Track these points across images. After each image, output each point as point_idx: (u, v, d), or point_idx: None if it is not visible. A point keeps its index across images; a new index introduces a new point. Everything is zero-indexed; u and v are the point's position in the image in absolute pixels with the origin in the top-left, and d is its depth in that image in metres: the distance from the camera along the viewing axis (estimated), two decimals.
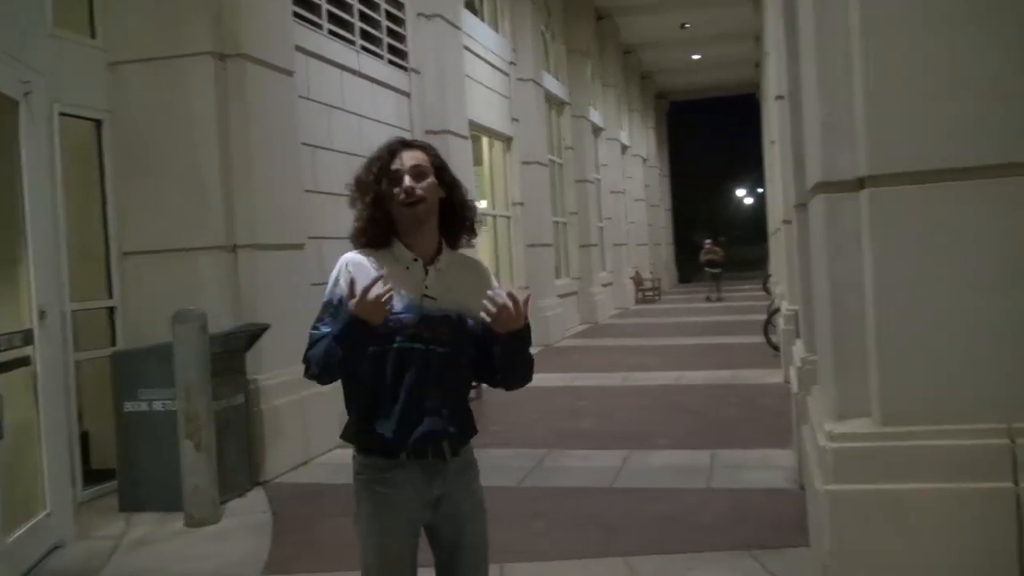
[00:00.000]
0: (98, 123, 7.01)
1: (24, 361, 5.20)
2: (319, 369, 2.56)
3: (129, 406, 6.21)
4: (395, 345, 2.57)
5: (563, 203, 20.01)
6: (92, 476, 6.66)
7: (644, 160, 31.77)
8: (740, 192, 53.33)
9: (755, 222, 42.13)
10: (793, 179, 5.68)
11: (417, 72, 11.45)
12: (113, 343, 6.96)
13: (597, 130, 23.50)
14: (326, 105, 9.11)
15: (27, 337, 5.22)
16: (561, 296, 17.97)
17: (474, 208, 2.77)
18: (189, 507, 5.80)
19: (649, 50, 28.76)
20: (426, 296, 2.62)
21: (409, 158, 2.63)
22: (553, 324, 16.27)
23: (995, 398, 2.85)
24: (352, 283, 2.46)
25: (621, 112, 27.21)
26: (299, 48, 8.38)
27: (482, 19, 15.02)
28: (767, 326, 13.05)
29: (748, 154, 35.59)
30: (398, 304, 2.55)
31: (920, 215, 2.93)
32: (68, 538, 5.48)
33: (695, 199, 45.28)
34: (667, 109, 38.16)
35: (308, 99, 8.69)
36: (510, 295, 2.53)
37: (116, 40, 7.05)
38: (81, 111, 6.86)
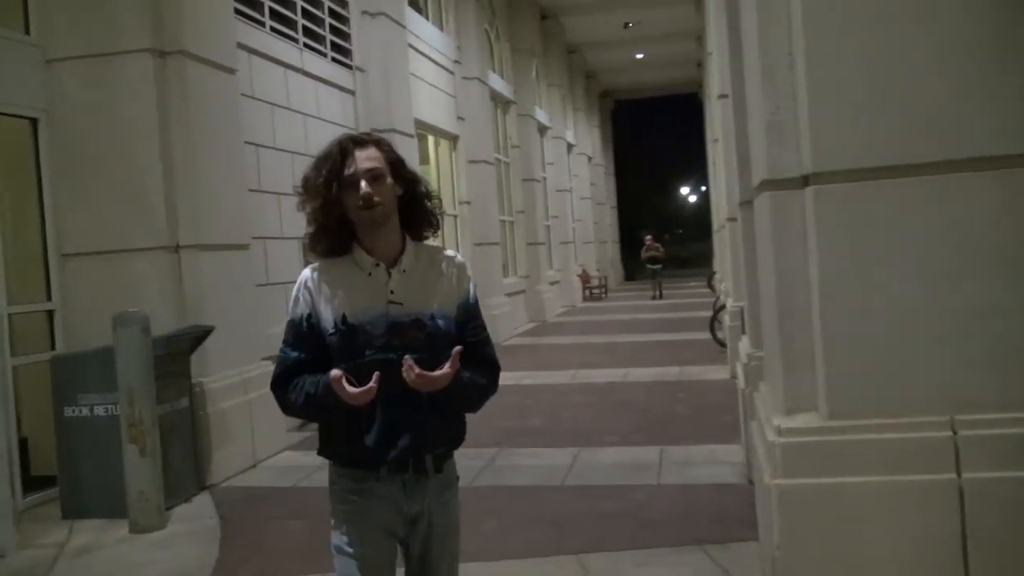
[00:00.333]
0: (34, 122, 6.85)
1: None
2: (303, 418, 2.51)
3: (70, 411, 6.09)
4: (367, 359, 2.44)
5: (510, 202, 20.04)
6: (32, 483, 6.51)
7: (590, 159, 31.93)
8: (684, 190, 53.87)
9: (700, 219, 42.61)
10: (738, 177, 5.74)
11: (362, 70, 11.39)
12: (52, 347, 6.81)
13: (543, 129, 23.57)
14: (270, 103, 9.02)
15: None
16: (509, 295, 17.99)
17: (436, 200, 2.67)
18: (134, 513, 5.69)
19: (593, 49, 28.91)
20: (392, 302, 2.49)
21: (364, 159, 2.47)
22: (501, 322, 16.28)
23: (938, 391, 2.91)
24: (343, 381, 2.31)
25: (566, 111, 27.33)
26: (241, 45, 8.28)
27: (427, 18, 14.97)
28: (713, 322, 13.20)
29: (692, 152, 35.99)
30: (363, 316, 2.46)
31: (863, 212, 2.97)
32: (9, 547, 5.35)
33: (640, 197, 45.58)
34: (612, 108, 38.42)
35: (251, 97, 8.60)
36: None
37: (52, 37, 6.89)
38: (16, 109, 6.70)
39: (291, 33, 9.59)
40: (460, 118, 16.11)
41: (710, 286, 25.14)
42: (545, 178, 23.47)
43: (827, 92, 2.98)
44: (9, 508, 5.54)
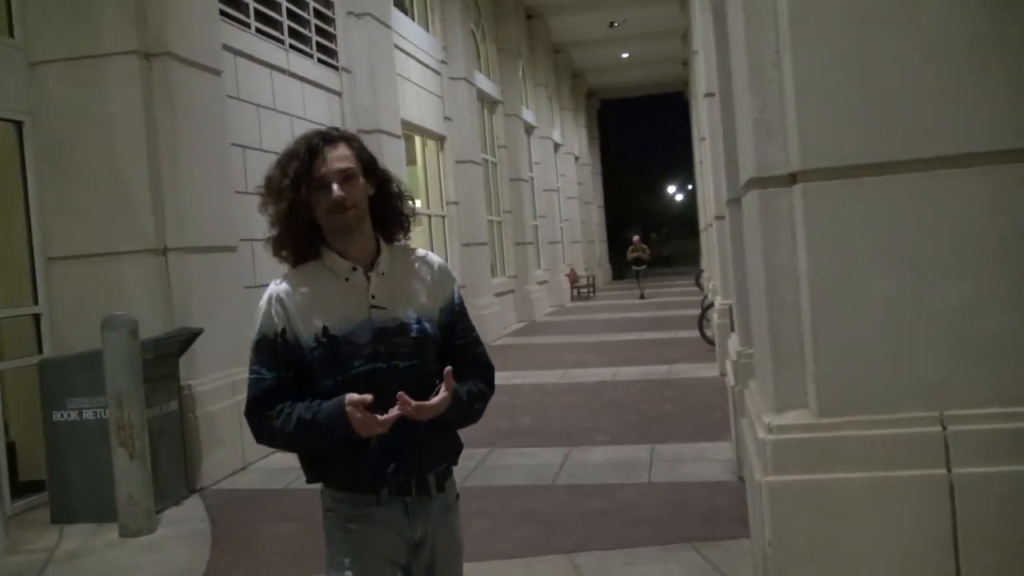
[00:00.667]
0: (19, 124, 6.81)
1: None
2: (285, 448, 2.32)
3: (58, 415, 6.06)
4: (354, 372, 2.26)
5: (498, 202, 20.05)
6: (21, 488, 6.48)
7: (576, 158, 31.98)
8: (671, 188, 53.98)
9: (687, 218, 42.71)
10: (725, 175, 5.75)
11: (348, 71, 11.36)
12: (40, 351, 6.76)
13: (530, 129, 23.58)
14: (256, 105, 8.99)
15: None
16: (497, 295, 17.99)
17: (409, 201, 2.48)
18: (123, 517, 5.67)
19: (579, 49, 28.96)
20: (374, 307, 2.31)
21: (335, 159, 2.28)
22: (490, 323, 16.28)
23: (927, 386, 2.92)
24: (359, 406, 2.15)
25: (553, 110, 27.37)
26: (227, 47, 8.25)
27: (412, 18, 14.95)
28: (701, 321, 13.23)
29: (678, 151, 36.10)
30: (346, 325, 2.28)
31: (851, 209, 2.98)
32: None
33: (627, 196, 45.69)
34: (598, 107, 38.51)
35: (237, 99, 8.56)
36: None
37: (36, 39, 6.86)
38: (1, 112, 6.65)
39: (276, 34, 9.57)
40: (447, 118, 16.10)
41: (698, 284, 25.18)
42: (532, 178, 23.50)
43: (814, 90, 2.99)
44: None
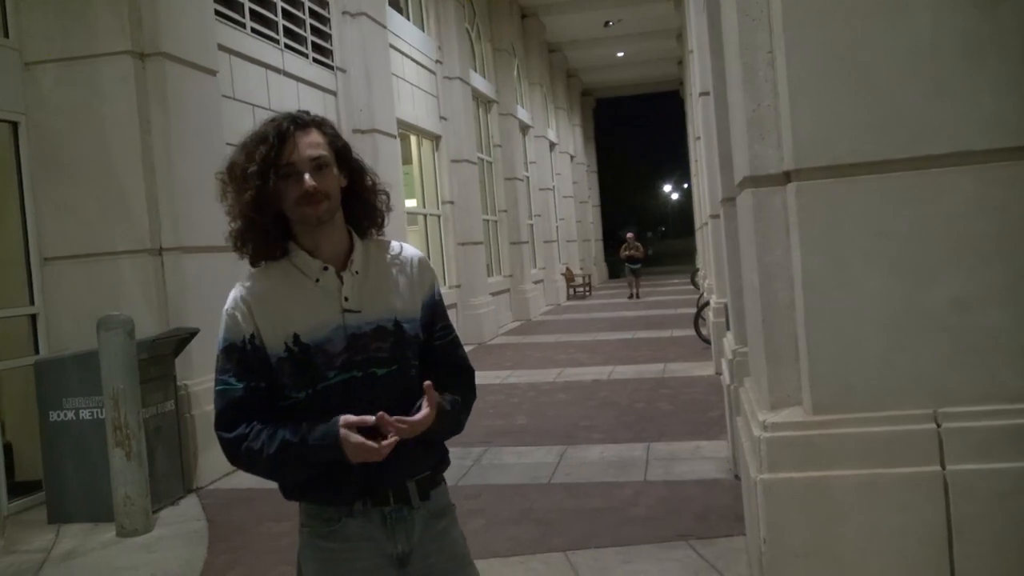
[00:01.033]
0: (14, 125, 6.81)
1: None
2: (262, 474, 2.12)
3: (54, 416, 6.06)
4: (330, 382, 2.09)
5: (493, 201, 20.06)
6: (17, 488, 6.48)
7: (572, 157, 32.00)
8: (667, 187, 54.06)
9: (682, 217, 42.74)
10: (720, 174, 5.76)
11: (343, 71, 11.36)
12: (36, 351, 6.77)
13: (525, 128, 23.59)
14: (251, 104, 8.99)
15: None
16: (493, 294, 17.99)
17: (384, 193, 2.26)
18: (120, 517, 5.67)
19: (574, 48, 28.99)
20: (347, 311, 2.12)
21: (307, 145, 2.07)
22: (486, 322, 16.30)
23: (921, 383, 2.93)
24: (353, 430, 1.99)
25: (548, 109, 27.40)
26: (221, 47, 8.25)
27: (407, 18, 14.95)
28: (697, 319, 13.25)
29: (674, 150, 36.24)
30: (318, 333, 2.10)
31: (844, 207, 2.99)
32: None
33: (623, 195, 45.72)
34: (593, 106, 38.52)
35: (232, 98, 8.56)
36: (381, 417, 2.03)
37: (31, 39, 6.86)
38: None
39: (272, 34, 9.57)
40: (442, 118, 16.11)
41: (693, 283, 25.22)
42: (528, 177, 23.50)
43: (807, 89, 3.00)
44: None
